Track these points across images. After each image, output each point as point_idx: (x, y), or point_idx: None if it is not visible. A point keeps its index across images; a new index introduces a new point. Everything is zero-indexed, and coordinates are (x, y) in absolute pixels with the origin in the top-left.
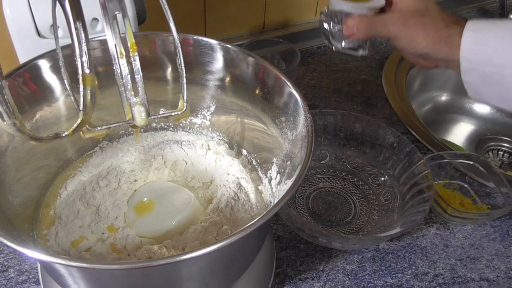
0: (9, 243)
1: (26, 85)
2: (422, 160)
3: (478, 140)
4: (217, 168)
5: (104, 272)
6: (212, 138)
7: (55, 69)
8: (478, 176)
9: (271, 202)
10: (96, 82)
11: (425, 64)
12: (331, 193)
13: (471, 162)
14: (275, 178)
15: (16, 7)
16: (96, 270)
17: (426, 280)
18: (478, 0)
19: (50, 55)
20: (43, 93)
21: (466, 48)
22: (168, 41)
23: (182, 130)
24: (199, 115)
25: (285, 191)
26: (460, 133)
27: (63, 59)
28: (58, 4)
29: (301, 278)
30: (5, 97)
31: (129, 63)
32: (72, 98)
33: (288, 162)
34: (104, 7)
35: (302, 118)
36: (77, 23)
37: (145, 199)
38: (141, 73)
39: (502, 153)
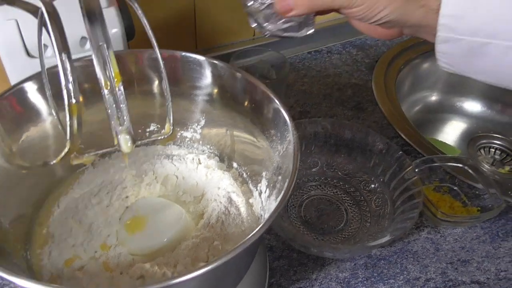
0: None
1: (12, 108)
2: (411, 166)
3: (469, 138)
4: (208, 182)
5: None
6: (203, 151)
7: (42, 91)
8: (467, 178)
9: (261, 215)
10: (82, 111)
11: (387, 34)
12: (323, 201)
13: (461, 165)
14: (265, 192)
15: (5, 27)
16: None
17: (417, 285)
18: None
19: (36, 77)
20: (29, 115)
21: (447, 12)
22: (155, 56)
23: (173, 144)
24: (189, 129)
25: (274, 206)
26: (451, 132)
27: (50, 88)
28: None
29: (295, 287)
30: None
31: (113, 94)
32: (59, 125)
33: (279, 177)
34: (90, 38)
35: (289, 134)
36: (63, 54)
37: (136, 216)
38: (125, 102)
39: (493, 150)
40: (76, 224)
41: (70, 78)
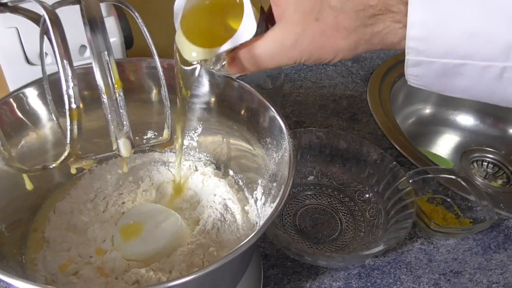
0: None
1: (12, 113)
2: (405, 177)
3: (462, 152)
4: (204, 189)
5: None
6: (200, 159)
7: (42, 96)
8: (460, 190)
9: (257, 223)
10: (82, 117)
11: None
12: (317, 210)
13: (454, 177)
14: (260, 199)
15: (5, 35)
16: None
17: None
18: None
19: (37, 83)
20: (29, 120)
21: (415, 34)
22: (153, 64)
23: (170, 151)
24: (186, 136)
25: (269, 213)
26: (444, 145)
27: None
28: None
29: None
30: None
31: (113, 99)
32: (59, 130)
33: (274, 184)
34: (91, 45)
35: (284, 141)
36: (64, 61)
37: (132, 222)
38: (125, 108)
39: (486, 164)
40: (71, 229)
41: (71, 84)
